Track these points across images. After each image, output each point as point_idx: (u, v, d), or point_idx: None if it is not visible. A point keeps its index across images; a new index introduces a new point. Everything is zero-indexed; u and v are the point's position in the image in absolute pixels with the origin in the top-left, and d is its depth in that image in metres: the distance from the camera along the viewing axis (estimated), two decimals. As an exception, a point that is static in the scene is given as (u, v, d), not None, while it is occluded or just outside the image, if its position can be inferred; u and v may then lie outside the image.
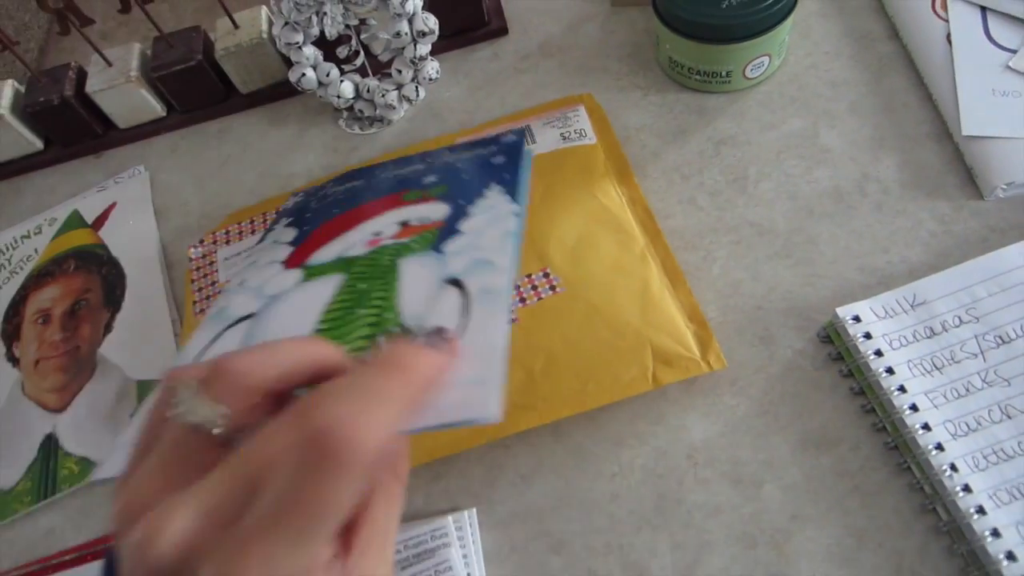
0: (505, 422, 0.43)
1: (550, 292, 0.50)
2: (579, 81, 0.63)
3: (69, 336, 0.59)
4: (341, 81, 0.62)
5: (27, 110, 0.66)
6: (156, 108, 0.69)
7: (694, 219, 0.53)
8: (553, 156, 0.55)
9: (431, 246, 0.49)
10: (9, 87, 0.67)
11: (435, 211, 0.52)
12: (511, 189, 0.51)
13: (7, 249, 0.65)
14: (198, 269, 0.59)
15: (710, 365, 0.46)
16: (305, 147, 0.66)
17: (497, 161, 0.53)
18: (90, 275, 0.62)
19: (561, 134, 0.57)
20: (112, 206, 0.66)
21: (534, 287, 0.50)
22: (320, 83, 0.62)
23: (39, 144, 0.70)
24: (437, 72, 0.63)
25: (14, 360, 0.60)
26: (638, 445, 0.47)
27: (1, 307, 0.62)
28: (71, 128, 0.68)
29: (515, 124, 0.59)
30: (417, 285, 0.41)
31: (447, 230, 0.50)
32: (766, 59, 0.56)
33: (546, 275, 0.50)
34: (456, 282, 0.47)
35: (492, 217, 0.49)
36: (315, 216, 0.51)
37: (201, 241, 0.60)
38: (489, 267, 0.47)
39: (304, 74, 0.61)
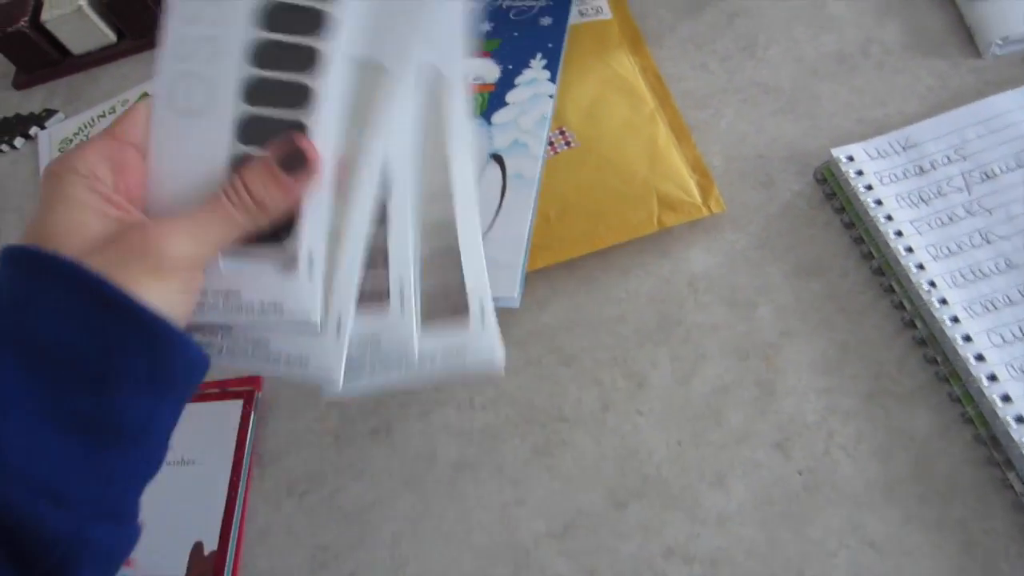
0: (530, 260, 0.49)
1: (565, 147, 0.54)
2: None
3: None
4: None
5: (104, 1, 0.73)
6: None
7: (704, 81, 0.57)
8: (571, 30, 0.60)
9: (483, 113, 0.55)
10: (86, -18, 0.74)
11: (489, 71, 0.57)
12: (552, 64, 0.56)
13: (86, 127, 0.72)
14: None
15: (710, 209, 0.51)
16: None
17: (544, 23, 0.58)
18: None
19: (579, 10, 0.61)
20: None
21: (551, 143, 0.54)
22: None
23: (113, 36, 0.76)
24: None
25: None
26: (644, 275, 0.51)
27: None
28: (143, 20, 0.74)
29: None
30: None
31: (497, 97, 0.56)
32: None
33: (562, 132, 0.55)
34: (499, 159, 0.53)
35: (534, 95, 0.56)
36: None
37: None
38: (525, 151, 0.53)
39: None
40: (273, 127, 0.34)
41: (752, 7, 0.60)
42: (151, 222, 0.32)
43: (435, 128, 0.36)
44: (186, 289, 0.32)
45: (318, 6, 0.34)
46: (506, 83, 0.56)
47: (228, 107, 0.34)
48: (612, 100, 0.56)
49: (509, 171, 0.53)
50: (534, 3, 0.60)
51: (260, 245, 0.34)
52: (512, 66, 0.57)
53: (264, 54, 0.34)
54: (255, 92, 0.34)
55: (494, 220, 0.51)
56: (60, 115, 0.74)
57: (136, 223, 0.31)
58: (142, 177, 0.34)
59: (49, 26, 0.73)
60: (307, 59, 0.34)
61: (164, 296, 0.30)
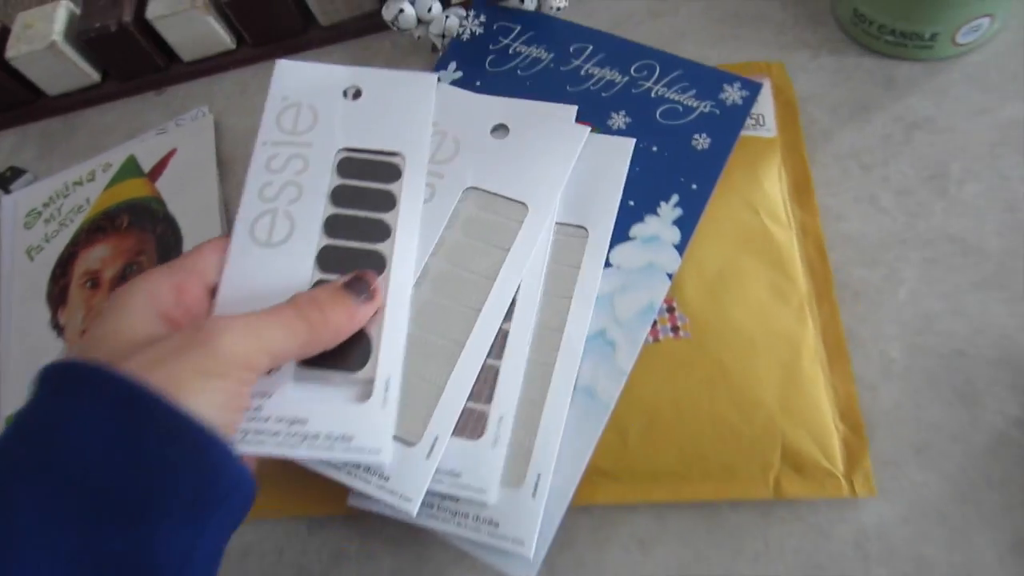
0: (583, 486, 0.35)
1: (670, 334, 0.39)
2: (729, 32, 0.51)
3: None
4: (446, 17, 0.51)
5: (82, 37, 0.58)
6: (225, 39, 0.60)
7: (874, 224, 0.42)
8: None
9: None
10: (63, 9, 0.59)
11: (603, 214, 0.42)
12: (689, 218, 0.41)
13: (57, 197, 0.58)
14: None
15: (854, 489, 0.36)
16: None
17: (699, 144, 0.43)
18: (144, 234, 0.54)
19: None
20: (172, 153, 0.58)
21: (653, 322, 0.39)
22: (420, 20, 0.52)
23: (96, 76, 0.62)
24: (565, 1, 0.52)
25: (59, 328, 0.53)
26: (791, 518, 0.37)
27: (48, 265, 0.55)
28: (130, 59, 0.60)
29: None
30: None
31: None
32: (986, 21, 0.43)
33: (671, 310, 0.39)
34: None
35: (648, 265, 0.40)
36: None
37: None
38: (610, 354, 0.38)
39: (402, 10, 0.51)
40: (352, 256, 0.37)
41: (939, 116, 0.44)
42: (213, 322, 0.29)
43: (563, 270, 0.39)
44: (237, 394, 0.29)
45: (393, 160, 0.40)
46: (618, 230, 0.40)
47: (311, 239, 0.37)
48: (750, 273, 0.40)
49: (581, 376, 0.38)
50: (695, 103, 0.44)
51: (332, 371, 0.34)
52: (633, 202, 0.41)
53: (345, 197, 0.38)
54: (335, 226, 0.38)
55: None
56: (28, 175, 0.60)
57: (187, 324, 0.31)
58: (203, 302, 0.34)
59: (16, 64, 0.59)
60: (383, 200, 0.39)
61: (213, 401, 0.27)
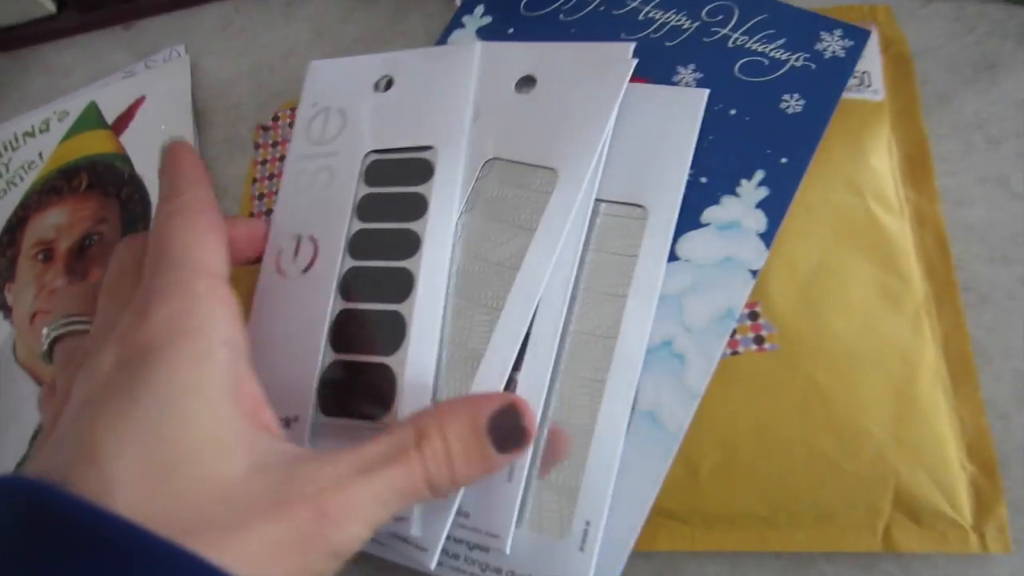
0: (643, 528, 0.29)
1: (753, 346, 0.31)
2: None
3: (75, 283, 0.44)
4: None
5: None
6: (205, -35, 0.51)
7: (1004, 212, 0.34)
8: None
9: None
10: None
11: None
12: (779, 199, 0.32)
13: (5, 151, 0.51)
14: (264, 164, 0.43)
15: (984, 543, 0.29)
16: (404, 35, 0.47)
17: (790, 106, 0.35)
18: (106, 198, 0.47)
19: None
20: (140, 101, 0.50)
21: (732, 331, 0.31)
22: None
23: (51, 6, 0.54)
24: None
25: (6, 309, 0.45)
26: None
27: (-5, 231, 0.48)
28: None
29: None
30: None
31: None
32: None
33: (754, 316, 0.32)
34: None
35: (726, 260, 0.32)
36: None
37: (274, 119, 0.44)
38: (678, 370, 0.31)
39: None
40: (375, 279, 0.32)
41: (1082, 77, 0.36)
42: (317, 484, 0.21)
43: (615, 260, 0.32)
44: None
45: (424, 156, 0.34)
46: (687, 213, 0.32)
47: (335, 262, 0.33)
48: (853, 272, 0.32)
49: (641, 397, 0.30)
50: (784, 56, 0.35)
51: (352, 419, 0.31)
52: (706, 179, 0.33)
53: (372, 208, 0.34)
54: (361, 244, 0.33)
55: None
56: (-31, 123, 0.52)
57: (287, 468, 0.21)
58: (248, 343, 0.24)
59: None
60: (412, 206, 0.33)
61: None
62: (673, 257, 0.31)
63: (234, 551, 0.19)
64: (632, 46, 0.34)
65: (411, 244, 0.32)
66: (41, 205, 0.48)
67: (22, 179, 0.49)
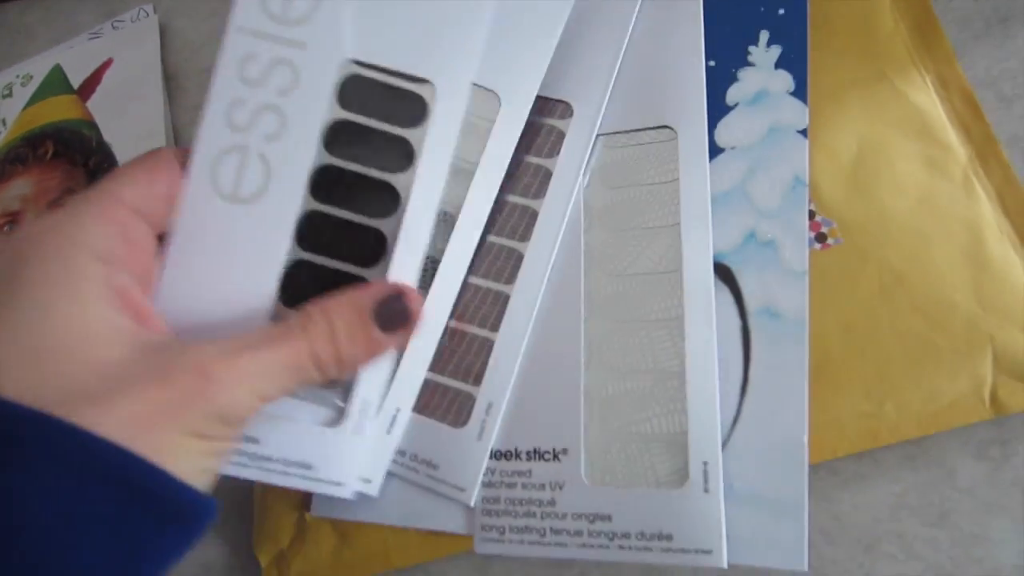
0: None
1: (817, 246, 0.30)
2: None
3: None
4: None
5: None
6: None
7: (1019, 176, 0.33)
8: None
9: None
10: None
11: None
12: (795, 54, 0.31)
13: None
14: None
15: None
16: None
17: None
18: (73, 168, 0.44)
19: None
20: (107, 64, 0.47)
21: (808, 200, 0.31)
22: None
23: None
24: None
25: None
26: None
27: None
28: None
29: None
30: None
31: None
32: None
33: (809, 215, 0.31)
34: (726, 273, 0.29)
35: (771, 129, 0.30)
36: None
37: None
38: (773, 255, 0.29)
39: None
40: (341, 233, 0.28)
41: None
42: (203, 356, 0.23)
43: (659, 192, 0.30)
44: (226, 451, 0.25)
45: (419, 91, 0.28)
46: (711, 102, 0.31)
47: (292, 199, 0.27)
48: (895, 148, 0.31)
49: (749, 300, 0.29)
50: None
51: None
52: (714, 62, 0.31)
53: (343, 139, 0.28)
54: (326, 183, 0.28)
55: (738, 412, 0.28)
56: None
57: (173, 350, 0.23)
58: (152, 262, 0.26)
59: None
60: (397, 152, 0.28)
61: (203, 465, 0.23)
62: (717, 150, 0.30)
63: (109, 417, 0.21)
64: None
65: (389, 202, 0.28)
66: (5, 175, 0.44)
67: (-16, 147, 0.45)
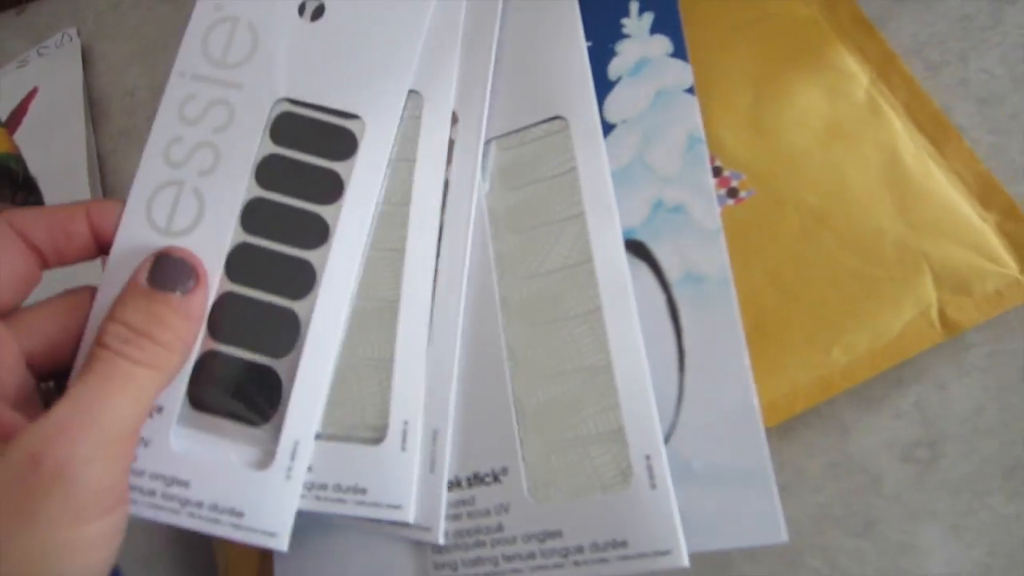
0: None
1: (730, 201, 0.30)
2: None
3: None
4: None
5: None
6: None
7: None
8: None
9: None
10: None
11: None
12: (667, 16, 0.30)
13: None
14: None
15: None
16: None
17: None
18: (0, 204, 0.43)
19: None
20: (32, 93, 0.46)
21: (710, 156, 0.29)
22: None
23: None
24: None
25: None
26: (977, 349, 0.28)
27: None
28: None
29: None
30: None
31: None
32: None
33: (717, 172, 0.30)
34: (640, 250, 0.28)
35: (658, 93, 0.29)
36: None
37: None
38: (685, 219, 0.28)
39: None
40: (270, 264, 0.28)
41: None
42: (43, 440, 0.21)
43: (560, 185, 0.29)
44: (120, 518, 0.23)
45: (349, 126, 0.29)
46: (596, 82, 0.30)
47: (223, 233, 0.28)
48: (791, 82, 0.30)
49: (669, 271, 0.27)
50: None
51: (227, 419, 0.27)
52: (591, 41, 0.30)
53: (275, 174, 0.28)
54: (256, 216, 0.28)
55: (681, 389, 0.26)
56: None
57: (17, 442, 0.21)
58: (19, 370, 0.25)
59: None
60: (326, 185, 0.28)
61: (95, 542, 0.22)
62: (609, 128, 0.29)
63: None
64: None
65: (317, 233, 0.28)
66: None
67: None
